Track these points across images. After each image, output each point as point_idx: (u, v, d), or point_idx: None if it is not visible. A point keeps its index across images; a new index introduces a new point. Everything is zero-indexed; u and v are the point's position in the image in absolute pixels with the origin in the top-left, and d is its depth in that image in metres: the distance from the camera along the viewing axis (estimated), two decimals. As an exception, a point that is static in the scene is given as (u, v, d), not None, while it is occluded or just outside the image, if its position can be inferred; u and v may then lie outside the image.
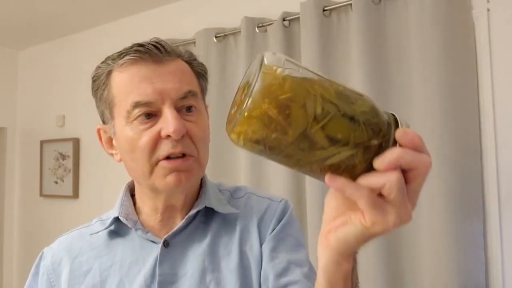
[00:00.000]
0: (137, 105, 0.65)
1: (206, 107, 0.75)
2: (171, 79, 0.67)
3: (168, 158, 0.66)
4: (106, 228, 0.75)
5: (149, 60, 0.67)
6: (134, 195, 0.78)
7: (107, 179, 2.42)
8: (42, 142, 2.78)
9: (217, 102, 1.95)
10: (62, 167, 2.67)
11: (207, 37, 2.00)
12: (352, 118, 0.36)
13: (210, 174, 0.82)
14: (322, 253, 0.45)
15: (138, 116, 0.66)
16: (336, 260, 0.44)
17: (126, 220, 0.73)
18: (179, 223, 0.72)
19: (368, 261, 1.51)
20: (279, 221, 0.74)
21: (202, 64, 0.75)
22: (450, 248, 1.40)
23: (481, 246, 1.41)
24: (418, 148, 0.38)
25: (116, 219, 0.74)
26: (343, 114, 0.36)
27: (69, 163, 2.63)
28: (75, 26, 2.59)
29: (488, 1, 1.47)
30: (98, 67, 0.72)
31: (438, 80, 1.46)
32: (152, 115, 0.66)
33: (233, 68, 1.96)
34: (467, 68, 1.47)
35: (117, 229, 0.75)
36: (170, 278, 0.69)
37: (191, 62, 0.73)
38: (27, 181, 2.88)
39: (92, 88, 0.73)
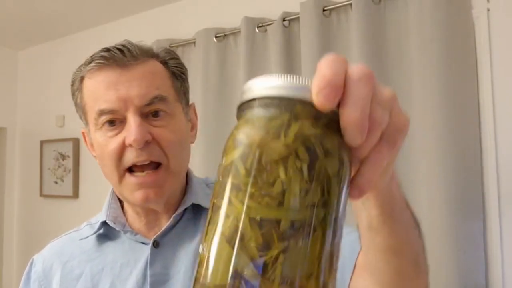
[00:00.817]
0: (101, 113, 0.65)
1: (185, 107, 0.73)
2: (136, 84, 0.65)
3: (135, 167, 0.65)
4: (95, 233, 0.74)
5: (114, 65, 0.65)
6: None
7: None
8: (42, 142, 2.77)
9: (216, 102, 1.94)
10: (62, 167, 2.67)
11: (207, 37, 2.00)
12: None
13: (209, 173, 0.81)
14: (362, 210, 0.41)
15: (104, 123, 0.66)
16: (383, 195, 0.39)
17: (114, 223, 0.72)
18: (167, 222, 0.71)
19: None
20: None
21: (179, 63, 0.73)
22: (450, 248, 1.39)
23: (481, 246, 1.41)
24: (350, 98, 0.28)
25: (104, 223, 0.74)
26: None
27: (69, 163, 2.63)
28: (75, 26, 2.58)
29: (488, 1, 1.47)
30: (74, 72, 0.71)
31: (438, 80, 1.46)
32: (116, 122, 0.65)
33: (233, 68, 1.96)
34: (467, 68, 1.47)
35: (106, 232, 0.74)
36: (162, 278, 0.68)
37: (167, 61, 0.71)
38: (27, 181, 2.88)
39: (71, 93, 0.73)
